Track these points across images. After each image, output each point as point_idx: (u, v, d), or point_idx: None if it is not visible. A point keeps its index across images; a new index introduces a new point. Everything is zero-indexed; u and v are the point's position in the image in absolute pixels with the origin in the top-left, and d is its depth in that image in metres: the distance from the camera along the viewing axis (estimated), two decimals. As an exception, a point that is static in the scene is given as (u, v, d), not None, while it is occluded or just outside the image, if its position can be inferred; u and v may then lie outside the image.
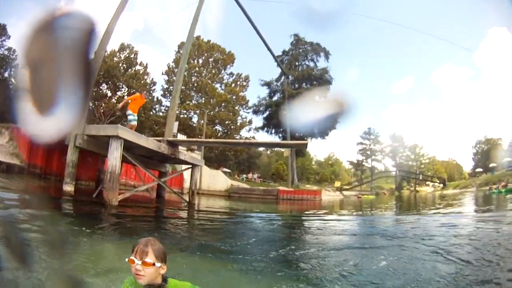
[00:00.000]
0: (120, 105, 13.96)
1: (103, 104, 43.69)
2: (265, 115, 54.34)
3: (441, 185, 67.44)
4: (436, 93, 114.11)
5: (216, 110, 50.94)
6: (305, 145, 13.24)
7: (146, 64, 50.87)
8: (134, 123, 12.69)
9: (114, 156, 10.07)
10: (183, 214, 12.22)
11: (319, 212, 18.02)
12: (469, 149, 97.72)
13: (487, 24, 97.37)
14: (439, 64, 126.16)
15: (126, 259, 1.99)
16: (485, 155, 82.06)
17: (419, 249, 6.50)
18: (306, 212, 18.44)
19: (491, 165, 65.58)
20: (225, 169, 45.85)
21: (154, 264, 2.00)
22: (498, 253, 5.67)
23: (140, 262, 1.98)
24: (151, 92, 51.10)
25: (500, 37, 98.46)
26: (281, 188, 39.02)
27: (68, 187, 10.62)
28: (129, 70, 47.14)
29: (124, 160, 11.84)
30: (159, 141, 12.49)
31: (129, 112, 12.89)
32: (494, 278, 4.21)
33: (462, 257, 5.58)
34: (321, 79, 53.23)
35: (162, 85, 52.31)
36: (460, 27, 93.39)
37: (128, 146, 10.84)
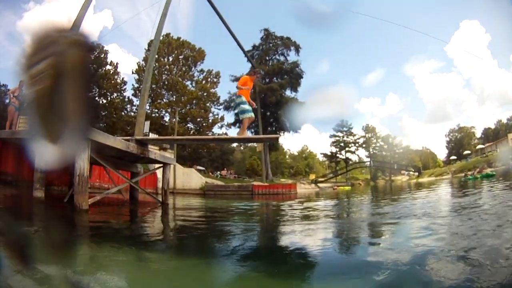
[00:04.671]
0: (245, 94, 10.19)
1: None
2: (236, 111, 54.22)
3: (416, 173, 69.15)
4: (408, 84, 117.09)
5: (187, 107, 50.59)
6: (277, 138, 13.22)
7: (116, 64, 50.21)
8: (251, 115, 10.15)
9: (82, 158, 9.80)
10: (155, 215, 12.01)
11: (296, 203, 18.16)
12: (443, 137, 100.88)
13: (459, 16, 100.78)
14: (411, 57, 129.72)
15: None
16: (458, 143, 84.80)
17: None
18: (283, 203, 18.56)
19: (465, 152, 67.74)
20: (199, 167, 45.67)
21: None
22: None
23: None
24: (122, 92, 50.38)
25: (472, 29, 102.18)
26: (255, 183, 39.12)
27: (38, 193, 10.24)
28: (99, 70, 46.20)
29: (94, 162, 11.56)
30: (128, 140, 12.22)
31: (242, 99, 10.07)
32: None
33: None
34: (292, 73, 53.58)
35: (132, 84, 51.64)
36: (433, 20, 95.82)
37: (97, 147, 10.56)
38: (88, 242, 5.88)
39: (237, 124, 54.04)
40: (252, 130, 51.05)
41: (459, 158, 70.52)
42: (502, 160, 38.89)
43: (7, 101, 12.31)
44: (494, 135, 78.10)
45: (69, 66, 1.00)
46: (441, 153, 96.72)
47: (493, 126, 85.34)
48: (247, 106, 9.99)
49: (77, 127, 1.05)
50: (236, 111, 53.82)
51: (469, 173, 34.53)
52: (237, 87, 10.27)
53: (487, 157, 51.67)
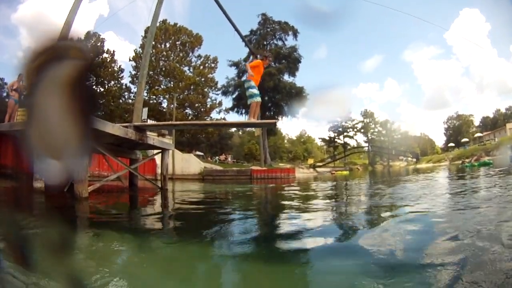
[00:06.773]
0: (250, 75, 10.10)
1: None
2: (234, 95, 54.37)
3: (414, 159, 69.52)
4: (406, 70, 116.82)
5: (185, 93, 50.49)
6: (274, 124, 13.28)
7: (113, 51, 50.02)
8: (259, 99, 10.15)
9: (81, 147, 9.83)
10: (155, 201, 12.14)
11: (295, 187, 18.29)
12: (441, 124, 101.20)
13: (460, 4, 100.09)
14: (410, 43, 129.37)
15: None
16: (457, 130, 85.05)
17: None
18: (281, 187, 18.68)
19: (464, 140, 68.03)
20: (198, 152, 45.89)
21: None
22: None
23: None
24: (119, 79, 50.28)
25: (472, 17, 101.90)
26: (254, 168, 39.38)
27: (38, 183, 10.35)
28: (96, 58, 45.94)
29: (93, 150, 11.65)
30: (126, 127, 12.25)
31: (251, 84, 10.07)
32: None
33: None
34: (290, 58, 53.45)
35: (130, 72, 51.55)
36: (433, 7, 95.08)
37: (95, 135, 10.57)
38: (87, 230, 5.98)
39: (235, 109, 54.14)
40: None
41: (457, 146, 70.85)
42: (501, 149, 39.11)
43: (4, 94, 12.40)
44: (492, 124, 78.53)
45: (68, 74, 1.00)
46: (439, 140, 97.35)
47: (491, 115, 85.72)
48: (255, 90, 10.00)
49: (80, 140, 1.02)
50: (234, 96, 54.07)
51: (467, 160, 34.98)
52: (245, 66, 10.35)
53: (485, 145, 51.98)
